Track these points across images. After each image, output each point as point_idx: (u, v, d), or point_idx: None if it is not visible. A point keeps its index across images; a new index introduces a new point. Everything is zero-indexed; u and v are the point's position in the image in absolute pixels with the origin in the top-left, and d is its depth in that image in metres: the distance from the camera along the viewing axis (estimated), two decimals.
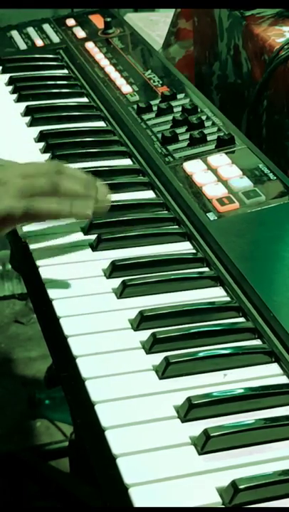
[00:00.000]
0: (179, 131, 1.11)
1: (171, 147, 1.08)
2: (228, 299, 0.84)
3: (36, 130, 1.17)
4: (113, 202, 0.98)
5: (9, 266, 2.38)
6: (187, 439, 0.67)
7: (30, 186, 0.88)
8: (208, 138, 1.08)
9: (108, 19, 1.46)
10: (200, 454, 0.66)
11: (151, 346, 0.77)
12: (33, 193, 0.88)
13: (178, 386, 0.73)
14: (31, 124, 1.21)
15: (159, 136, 1.10)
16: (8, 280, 2.42)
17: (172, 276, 0.86)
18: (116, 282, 0.85)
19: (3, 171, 0.89)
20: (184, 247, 0.92)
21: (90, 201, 0.90)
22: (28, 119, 1.22)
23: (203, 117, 1.12)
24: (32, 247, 0.93)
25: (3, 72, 1.38)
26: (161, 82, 1.25)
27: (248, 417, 0.69)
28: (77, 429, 1.39)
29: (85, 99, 1.28)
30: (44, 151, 1.12)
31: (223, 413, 0.69)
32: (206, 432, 0.66)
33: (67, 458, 1.74)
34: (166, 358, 0.74)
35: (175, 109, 1.16)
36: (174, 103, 1.17)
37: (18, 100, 1.29)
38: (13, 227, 0.92)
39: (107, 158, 1.10)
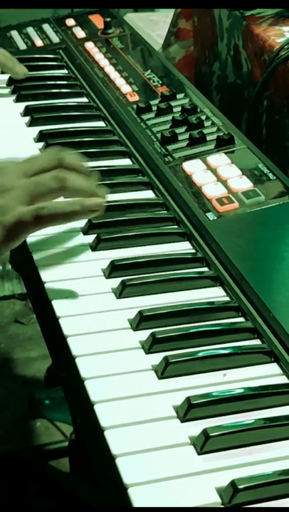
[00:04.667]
0: (178, 131, 1.11)
1: (170, 147, 1.08)
2: (227, 298, 0.84)
3: (36, 130, 1.17)
4: (113, 202, 0.98)
5: (9, 266, 2.38)
6: (186, 439, 0.67)
7: (36, 187, 0.85)
8: (208, 138, 1.08)
9: (108, 19, 1.46)
10: (199, 453, 0.66)
11: (151, 346, 0.77)
12: (40, 193, 0.85)
13: (177, 386, 0.73)
14: (31, 124, 1.21)
15: (159, 136, 1.10)
16: (8, 280, 2.42)
17: (172, 276, 0.86)
18: (115, 282, 0.85)
19: (4, 176, 0.87)
20: (184, 247, 0.92)
21: (98, 195, 0.88)
22: (27, 119, 1.22)
23: (203, 117, 1.12)
24: (32, 247, 0.93)
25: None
26: (160, 82, 1.25)
27: (248, 417, 0.69)
28: (77, 429, 1.39)
29: (84, 99, 1.28)
30: None
31: (223, 413, 0.69)
32: (205, 431, 0.66)
33: (67, 458, 1.74)
34: (165, 358, 0.74)
35: (175, 109, 1.16)
36: (173, 103, 1.17)
37: (18, 100, 1.29)
38: (27, 235, 0.86)
39: (107, 158, 1.10)
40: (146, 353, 0.77)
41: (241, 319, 0.81)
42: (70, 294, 0.85)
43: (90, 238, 0.93)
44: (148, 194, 1.03)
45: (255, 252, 0.88)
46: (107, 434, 0.68)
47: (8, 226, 0.83)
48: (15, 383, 2.09)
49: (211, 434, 0.66)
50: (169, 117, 1.14)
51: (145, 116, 1.16)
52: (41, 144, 1.14)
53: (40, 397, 1.98)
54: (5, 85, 1.34)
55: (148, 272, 0.87)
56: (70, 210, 0.85)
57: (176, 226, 0.96)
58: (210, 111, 1.14)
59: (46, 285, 0.87)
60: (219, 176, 1.00)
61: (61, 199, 0.87)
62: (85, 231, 0.94)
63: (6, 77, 1.36)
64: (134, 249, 0.91)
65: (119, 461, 0.65)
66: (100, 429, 0.69)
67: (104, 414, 0.70)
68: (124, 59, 1.35)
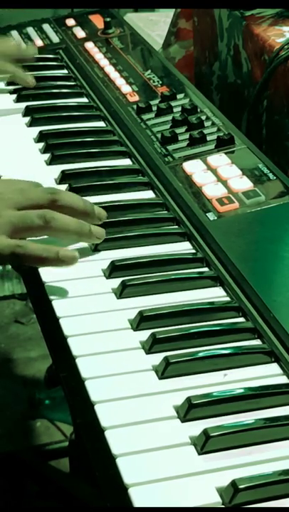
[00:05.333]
0: (178, 131, 1.11)
1: (170, 147, 1.08)
2: (227, 299, 0.84)
3: (36, 130, 1.17)
4: (113, 202, 0.98)
5: (9, 266, 2.38)
6: (187, 439, 0.67)
7: (21, 221, 0.86)
8: (208, 138, 1.08)
9: (108, 19, 1.46)
10: (200, 453, 0.66)
11: (151, 346, 0.77)
12: (24, 228, 0.86)
13: (178, 386, 0.73)
14: (31, 124, 1.21)
15: (159, 136, 1.10)
16: (8, 280, 2.42)
17: (172, 276, 0.86)
18: (116, 282, 0.85)
19: None
20: (184, 247, 0.92)
21: (87, 236, 0.89)
22: (27, 119, 1.22)
23: (203, 117, 1.12)
24: None
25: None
26: (160, 82, 1.25)
27: (248, 417, 0.69)
28: (77, 429, 1.39)
29: (84, 99, 1.29)
30: (44, 151, 1.12)
31: (223, 413, 0.69)
32: (205, 431, 0.66)
33: (67, 458, 1.74)
34: (165, 358, 0.74)
35: (175, 109, 1.16)
36: (173, 103, 1.17)
37: (18, 100, 1.29)
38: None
39: (107, 158, 1.10)
40: (147, 353, 0.77)
41: (241, 319, 0.81)
42: (70, 294, 0.85)
43: None
44: (148, 194, 1.03)
45: (256, 252, 0.88)
46: (107, 434, 0.68)
47: None
48: (15, 383, 2.09)
49: (211, 434, 0.66)
50: (169, 117, 1.14)
51: (145, 117, 1.16)
52: (41, 144, 1.14)
53: (40, 397, 1.98)
54: (5, 85, 1.34)
55: (148, 272, 0.87)
56: (44, 256, 0.86)
57: (176, 226, 0.96)
58: (210, 111, 1.14)
59: (46, 285, 0.87)
60: (219, 176, 1.00)
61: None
62: None
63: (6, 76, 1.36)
64: (134, 249, 0.91)
65: (119, 461, 0.65)
66: (100, 429, 0.69)
67: (104, 414, 0.70)
68: (124, 59, 1.35)
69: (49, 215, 0.87)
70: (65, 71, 1.38)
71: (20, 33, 1.52)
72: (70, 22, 1.54)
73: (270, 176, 0.99)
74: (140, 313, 0.80)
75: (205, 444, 0.66)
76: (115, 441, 0.67)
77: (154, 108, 1.17)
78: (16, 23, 1.56)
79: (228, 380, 0.73)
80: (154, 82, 1.26)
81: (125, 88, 1.26)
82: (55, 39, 1.49)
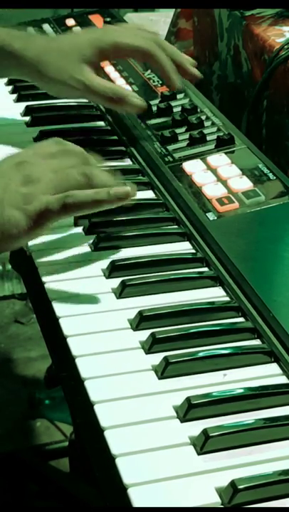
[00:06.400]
0: (178, 131, 1.11)
1: (170, 147, 1.08)
2: (227, 299, 0.84)
3: (36, 130, 1.17)
4: None
5: (9, 266, 2.38)
6: (186, 439, 0.67)
7: (64, 180, 0.85)
8: (208, 138, 1.08)
9: (108, 19, 1.46)
10: (199, 454, 0.66)
11: (151, 346, 0.77)
12: (68, 187, 0.85)
13: (177, 386, 0.73)
14: (31, 123, 1.21)
15: (159, 136, 1.10)
16: (8, 280, 2.42)
17: (172, 276, 0.86)
18: (115, 282, 0.86)
19: (33, 167, 0.86)
20: (184, 247, 0.92)
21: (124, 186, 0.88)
22: (27, 118, 1.22)
23: (203, 117, 1.12)
24: (32, 247, 0.93)
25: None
26: (160, 82, 1.25)
27: (248, 417, 0.69)
28: (77, 429, 1.39)
29: (84, 99, 1.28)
30: None
31: (223, 413, 0.70)
32: (205, 431, 0.66)
33: (67, 458, 1.74)
34: (165, 358, 0.74)
35: (175, 109, 1.16)
36: (173, 103, 1.17)
37: (18, 100, 1.28)
38: (50, 225, 0.86)
39: (107, 158, 1.10)
40: (147, 353, 0.77)
41: (241, 319, 0.81)
42: (70, 294, 0.85)
43: (91, 238, 0.93)
44: (148, 194, 1.03)
45: (255, 252, 0.88)
46: (107, 434, 0.68)
47: (32, 214, 0.82)
48: (15, 383, 2.09)
49: (211, 434, 0.66)
50: (169, 117, 1.14)
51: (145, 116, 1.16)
52: None
53: (40, 397, 1.98)
54: (5, 85, 1.34)
55: (148, 272, 0.87)
56: (97, 199, 0.85)
57: (176, 226, 0.96)
58: (210, 111, 1.14)
59: (46, 285, 0.86)
60: (219, 176, 1.00)
61: None
62: (86, 230, 0.94)
63: None
64: (134, 249, 0.91)
65: (119, 461, 0.65)
66: (100, 429, 0.69)
67: (104, 415, 0.70)
68: (124, 59, 1.35)
69: (89, 172, 0.86)
70: None
71: None
72: (70, 22, 1.53)
73: (270, 175, 0.99)
74: (140, 313, 0.80)
75: (204, 444, 0.66)
76: (115, 441, 0.67)
77: (154, 108, 1.17)
78: (16, 23, 1.56)
79: (228, 380, 0.73)
80: (154, 82, 1.26)
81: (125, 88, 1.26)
82: None
